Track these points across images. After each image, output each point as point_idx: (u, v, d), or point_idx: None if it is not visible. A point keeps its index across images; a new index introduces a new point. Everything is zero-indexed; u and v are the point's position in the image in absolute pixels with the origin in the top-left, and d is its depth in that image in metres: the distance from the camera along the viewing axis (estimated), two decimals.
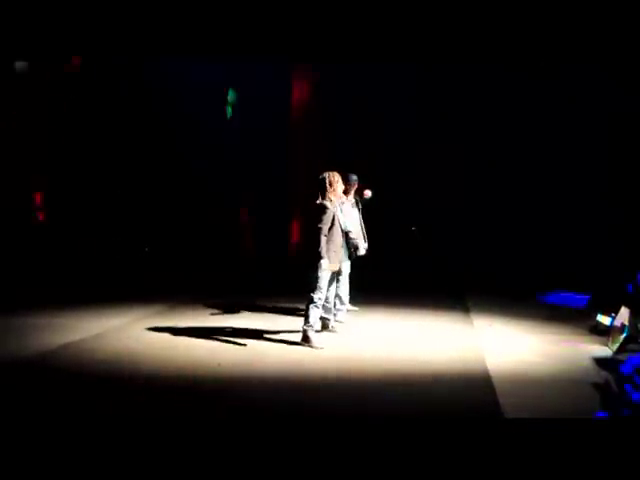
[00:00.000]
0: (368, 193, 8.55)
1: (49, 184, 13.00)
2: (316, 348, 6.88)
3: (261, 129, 13.44)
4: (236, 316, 8.65)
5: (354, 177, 8.44)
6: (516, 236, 12.63)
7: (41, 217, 13.27)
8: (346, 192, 8.28)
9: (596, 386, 5.78)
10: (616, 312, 7.13)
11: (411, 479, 3.95)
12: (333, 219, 6.99)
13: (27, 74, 11.89)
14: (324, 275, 6.95)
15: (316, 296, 6.96)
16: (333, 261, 6.99)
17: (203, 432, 4.57)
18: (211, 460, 4.12)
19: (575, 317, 8.60)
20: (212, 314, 8.77)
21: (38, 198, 13.16)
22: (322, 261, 6.87)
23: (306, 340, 6.98)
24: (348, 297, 8.35)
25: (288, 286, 8.58)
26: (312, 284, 6.97)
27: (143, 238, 13.27)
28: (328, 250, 6.93)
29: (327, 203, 7.01)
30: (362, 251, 8.14)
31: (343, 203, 7.74)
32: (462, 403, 5.24)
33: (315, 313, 7.02)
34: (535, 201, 12.72)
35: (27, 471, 3.97)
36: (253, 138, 13.51)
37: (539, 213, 12.64)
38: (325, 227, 6.94)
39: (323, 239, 6.91)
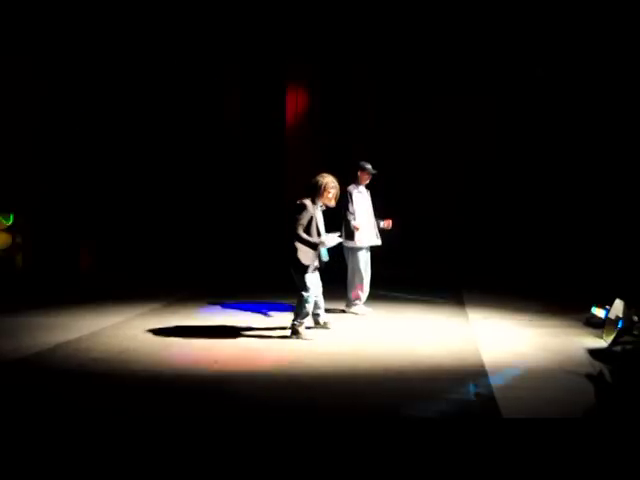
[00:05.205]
0: (389, 224, 8.65)
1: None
2: (306, 340, 6.98)
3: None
4: (231, 314, 8.66)
5: (368, 165, 8.49)
6: (511, 230, 12.67)
7: None
8: (361, 180, 8.40)
9: (591, 378, 5.81)
10: (610, 304, 7.15)
11: (406, 477, 3.96)
12: (311, 222, 7.00)
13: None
14: (307, 275, 6.98)
15: (305, 293, 7.01)
16: (305, 260, 6.99)
17: (199, 430, 4.58)
18: (207, 458, 4.12)
19: (569, 310, 8.62)
20: (207, 312, 8.77)
21: None
22: (322, 239, 6.98)
23: (295, 333, 7.05)
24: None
25: (283, 284, 8.57)
26: (298, 283, 7.03)
27: (140, 236, 13.21)
28: (300, 250, 6.94)
29: (308, 203, 7.01)
30: (377, 241, 8.53)
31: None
32: (458, 398, 5.24)
33: (305, 309, 7.06)
34: (530, 195, 12.76)
35: (23, 470, 3.97)
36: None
37: (534, 206, 12.67)
38: (300, 227, 6.95)
39: (302, 234, 6.92)
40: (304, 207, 6.98)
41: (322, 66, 13.40)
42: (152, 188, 13.24)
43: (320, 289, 7.34)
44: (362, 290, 8.52)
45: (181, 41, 12.79)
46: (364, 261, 8.44)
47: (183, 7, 12.36)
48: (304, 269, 6.96)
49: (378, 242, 8.56)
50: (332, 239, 7.16)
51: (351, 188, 8.43)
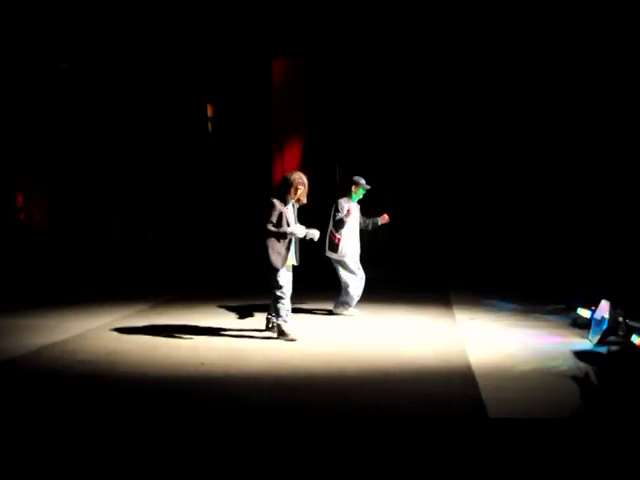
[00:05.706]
0: (386, 218, 8.68)
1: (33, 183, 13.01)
2: (293, 340, 7.02)
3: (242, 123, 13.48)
4: (218, 315, 8.64)
5: (362, 180, 8.48)
6: (498, 231, 12.73)
7: (22, 216, 13.26)
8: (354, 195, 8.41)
9: (577, 379, 5.84)
10: (596, 305, 7.20)
11: (393, 477, 3.96)
12: (281, 218, 7.01)
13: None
14: (279, 272, 7.01)
15: (279, 291, 7.05)
16: (276, 262, 7.00)
17: (186, 431, 4.57)
18: (194, 459, 4.12)
19: (556, 311, 8.68)
20: (194, 313, 8.75)
21: (20, 198, 13.18)
22: (292, 229, 6.99)
23: (282, 334, 7.10)
24: None
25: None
26: (271, 282, 7.05)
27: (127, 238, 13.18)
28: (273, 249, 6.97)
29: (276, 201, 7.04)
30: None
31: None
32: (445, 399, 5.26)
33: (283, 306, 7.09)
34: (517, 196, 12.82)
35: (11, 471, 3.95)
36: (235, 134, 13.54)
37: (521, 207, 12.74)
38: (269, 223, 6.97)
39: (271, 227, 6.94)
40: (272, 204, 7.04)
41: (311, 69, 13.40)
42: (143, 186, 13.23)
43: (290, 290, 7.29)
44: (351, 295, 8.52)
45: (176, 40, 12.75)
46: (352, 268, 8.43)
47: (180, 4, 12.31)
48: (275, 266, 6.99)
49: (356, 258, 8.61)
50: (313, 232, 7.20)
51: (343, 201, 8.43)
